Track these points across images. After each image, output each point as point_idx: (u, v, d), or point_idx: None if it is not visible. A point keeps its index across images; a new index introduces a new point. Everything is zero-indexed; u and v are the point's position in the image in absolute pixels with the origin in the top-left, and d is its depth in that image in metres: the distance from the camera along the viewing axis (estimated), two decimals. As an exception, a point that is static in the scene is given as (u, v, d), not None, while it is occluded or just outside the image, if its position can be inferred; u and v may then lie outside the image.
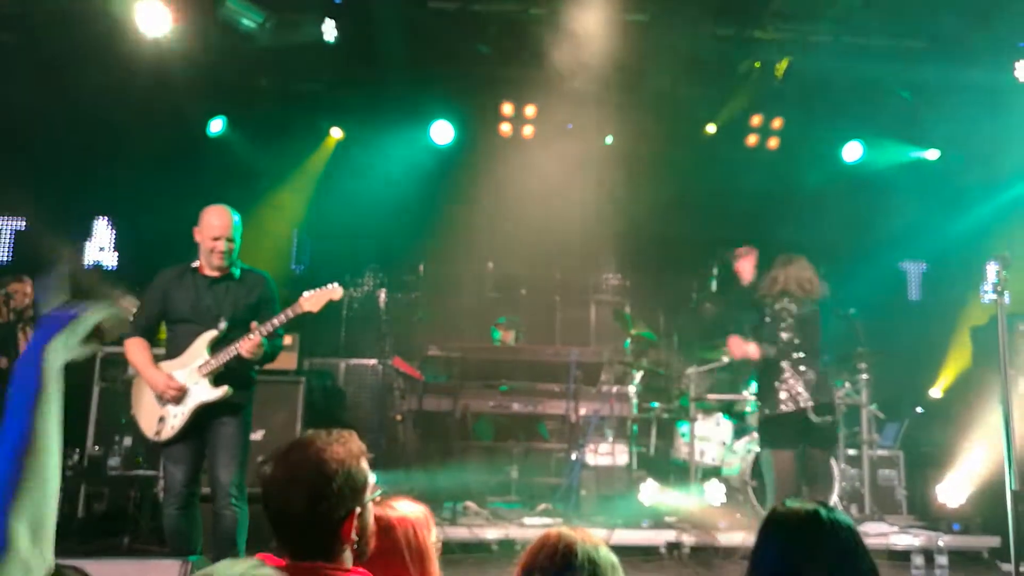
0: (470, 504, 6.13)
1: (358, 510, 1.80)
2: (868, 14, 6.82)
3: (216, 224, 4.20)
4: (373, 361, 7.48)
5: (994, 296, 4.55)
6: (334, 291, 4.24)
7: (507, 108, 8.15)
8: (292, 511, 1.75)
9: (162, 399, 4.08)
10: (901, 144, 8.52)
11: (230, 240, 4.21)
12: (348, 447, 1.83)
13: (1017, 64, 7.11)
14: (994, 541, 5.80)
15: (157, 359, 4.18)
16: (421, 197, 8.05)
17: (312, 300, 4.19)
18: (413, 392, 6.53)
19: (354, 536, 1.79)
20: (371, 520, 1.86)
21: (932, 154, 8.47)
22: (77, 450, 6.05)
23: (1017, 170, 8.47)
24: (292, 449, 1.83)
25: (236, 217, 4.28)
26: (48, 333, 1.46)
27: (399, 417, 6.89)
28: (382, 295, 7.17)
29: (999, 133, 8.02)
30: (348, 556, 1.81)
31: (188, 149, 7.62)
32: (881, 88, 7.82)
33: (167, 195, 7.21)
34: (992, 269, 4.52)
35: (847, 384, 6.65)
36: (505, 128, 8.24)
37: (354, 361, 7.51)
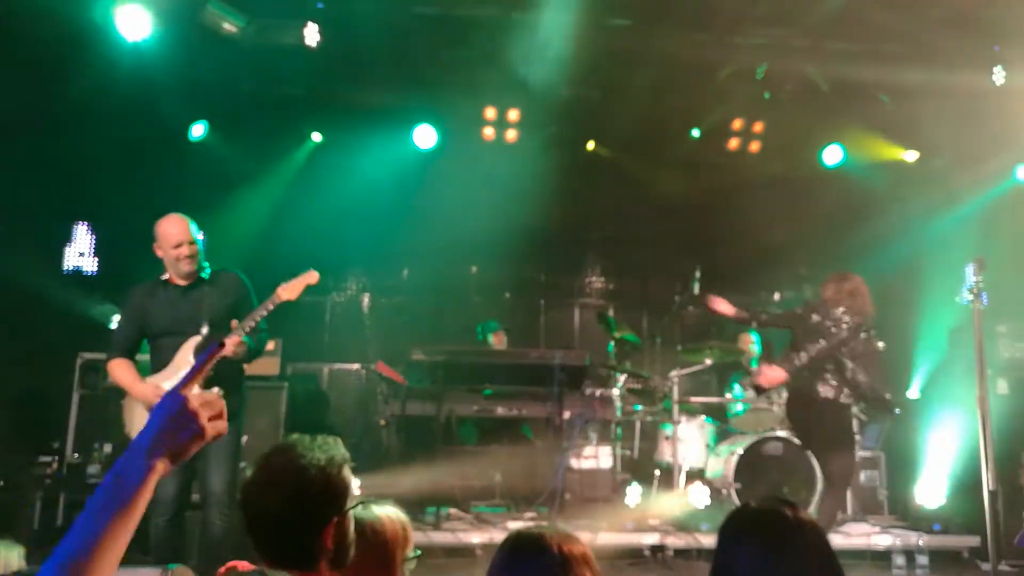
0: (454, 511, 6.13)
1: (337, 519, 1.76)
2: (847, 19, 6.88)
3: (173, 232, 4.17)
4: (356, 366, 7.45)
5: (971, 298, 4.61)
6: (310, 276, 4.24)
7: (490, 112, 8.16)
8: (269, 517, 1.72)
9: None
10: (881, 147, 8.59)
11: (192, 243, 4.19)
12: (330, 453, 1.79)
13: (995, 69, 7.20)
14: (973, 541, 5.85)
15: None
16: (404, 201, 8.05)
17: (289, 288, 4.18)
18: (397, 397, 6.52)
19: (333, 545, 1.75)
20: (351, 529, 1.83)
21: (911, 156, 8.55)
22: (56, 458, 5.99)
23: (996, 173, 8.58)
24: (272, 454, 1.79)
25: (190, 220, 4.25)
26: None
27: (383, 422, 6.88)
28: (365, 299, 7.15)
29: (978, 137, 8.13)
30: (326, 565, 1.76)
31: (169, 154, 7.57)
32: (861, 92, 7.90)
33: (148, 200, 7.13)
34: (970, 272, 4.56)
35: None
36: (488, 132, 8.24)
37: (337, 366, 7.48)
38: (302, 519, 1.72)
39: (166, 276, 4.27)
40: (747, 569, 1.73)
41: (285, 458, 1.76)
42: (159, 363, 4.16)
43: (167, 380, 4.07)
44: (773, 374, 5.31)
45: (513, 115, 8.16)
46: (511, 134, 8.26)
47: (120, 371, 4.15)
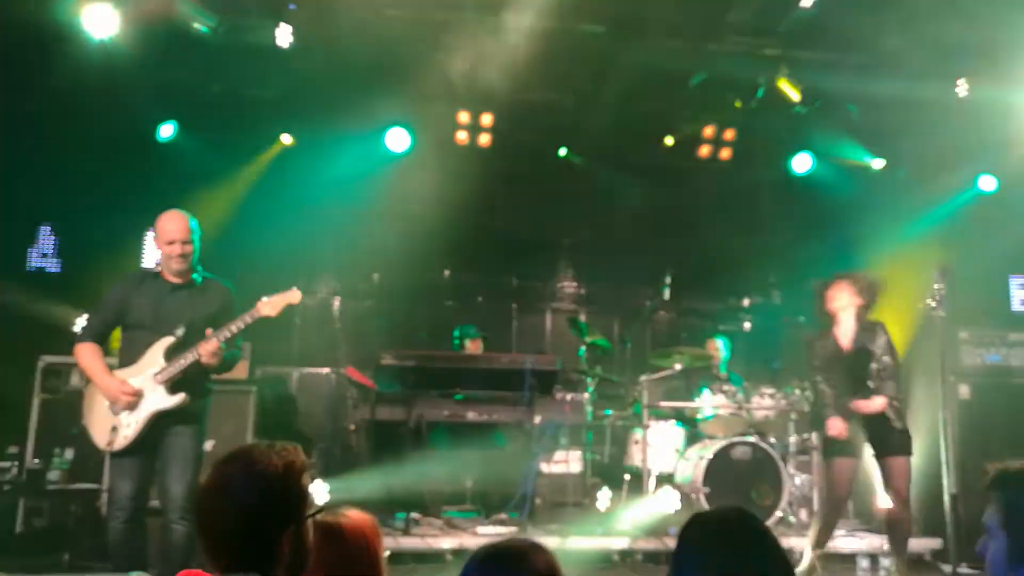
0: (424, 516, 6.10)
1: (294, 526, 1.73)
2: (818, 29, 6.98)
3: (170, 228, 4.15)
4: (327, 370, 7.40)
5: (934, 305, 4.70)
6: (292, 295, 4.22)
7: (463, 116, 8.15)
8: (223, 524, 1.68)
9: (115, 407, 3.99)
10: (849, 156, 8.72)
11: (186, 243, 4.16)
12: (288, 459, 1.76)
13: (959, 81, 7.35)
14: (936, 543, 5.95)
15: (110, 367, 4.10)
16: (376, 204, 8.02)
17: (270, 305, 4.16)
18: (366, 401, 6.47)
19: (290, 553, 1.71)
20: (309, 537, 1.79)
21: (878, 164, 8.68)
22: (15, 464, 5.86)
23: (959, 182, 8.76)
24: (229, 459, 1.76)
25: (192, 221, 4.22)
26: None
27: (352, 427, 6.83)
28: (336, 303, 7.08)
29: (942, 147, 8.30)
30: (283, 573, 1.73)
31: (137, 155, 7.47)
32: (830, 101, 8.02)
33: (113, 201, 7.07)
34: (934, 279, 4.65)
35: (797, 391, 6.77)
36: (461, 136, 8.23)
37: (307, 370, 7.42)
38: (256, 527, 1.68)
39: (158, 269, 4.23)
40: (702, 570, 1.74)
41: (240, 464, 1.73)
42: (128, 358, 4.11)
43: (134, 377, 4.02)
44: None
45: (486, 119, 8.15)
46: (484, 138, 8.25)
47: (88, 357, 4.09)
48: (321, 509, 1.90)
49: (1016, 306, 8.75)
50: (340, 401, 7.17)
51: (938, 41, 6.95)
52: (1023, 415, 6.19)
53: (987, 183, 8.73)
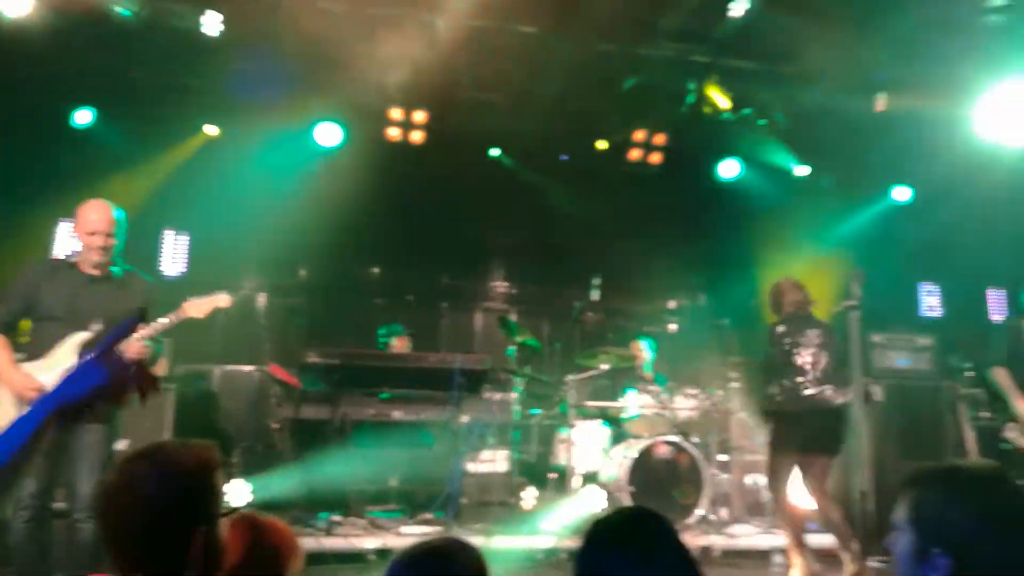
0: (344, 517, 6.02)
1: (205, 526, 1.65)
2: (747, 38, 7.15)
3: (92, 219, 3.99)
4: (250, 367, 7.22)
5: (851, 308, 4.87)
6: (221, 299, 4.10)
7: (396, 113, 8.07)
8: (130, 524, 1.60)
9: (20, 402, 3.80)
10: (776, 163, 8.96)
11: (109, 236, 4.00)
12: (201, 456, 1.68)
13: (878, 95, 7.64)
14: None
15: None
16: (305, 200, 7.85)
17: (197, 307, 4.04)
18: (291, 400, 6.35)
19: (201, 554, 1.63)
20: (221, 539, 1.72)
21: (802, 171, 8.94)
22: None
23: (876, 191, 9.13)
24: (136, 456, 1.67)
25: (118, 212, 4.06)
26: None
27: (276, 425, 6.68)
28: (261, 299, 6.93)
29: (862, 157, 8.64)
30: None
31: (49, 140, 7.16)
32: (759, 109, 8.23)
33: (24, 188, 6.76)
34: (850, 284, 4.82)
35: (719, 392, 6.93)
36: (394, 133, 8.15)
37: (230, 367, 7.22)
38: (165, 526, 1.61)
39: (75, 260, 4.05)
40: (605, 569, 1.74)
41: (148, 460, 1.65)
42: (37, 350, 3.92)
43: (43, 372, 3.84)
44: None
45: (419, 117, 8.09)
46: (417, 136, 8.18)
47: None
48: (234, 510, 1.82)
49: (924, 311, 9.17)
50: (263, 399, 7.00)
51: (859, 56, 7.23)
52: (928, 416, 6.48)
53: (901, 193, 9.12)
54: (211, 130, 7.84)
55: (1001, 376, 5.46)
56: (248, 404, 7.06)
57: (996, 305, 9.33)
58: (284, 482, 5.85)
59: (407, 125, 8.13)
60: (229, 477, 5.85)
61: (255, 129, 7.71)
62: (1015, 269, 6.68)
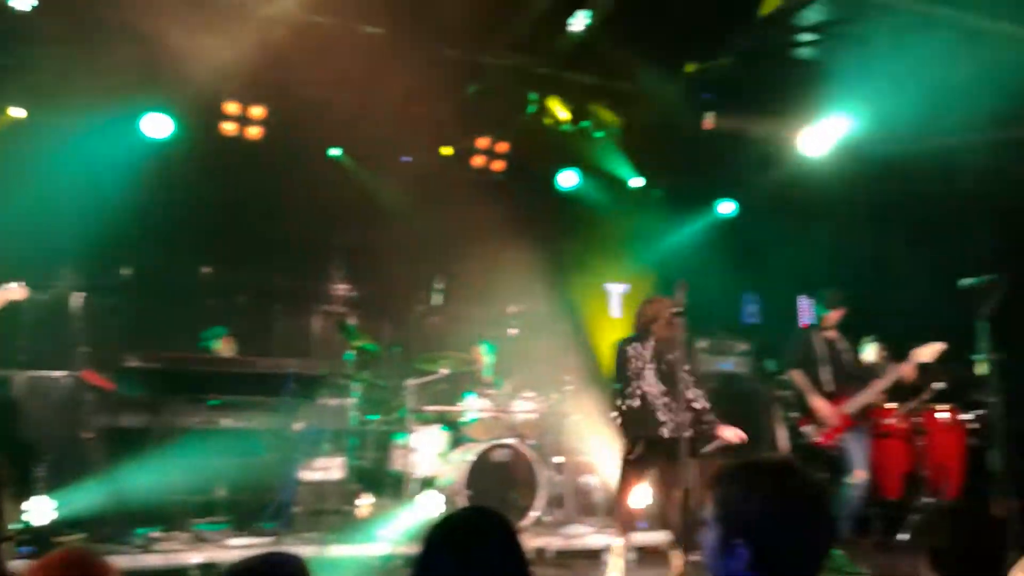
0: (165, 532, 5.68)
1: None
2: (586, 53, 7.40)
3: None
4: (62, 373, 6.64)
5: (678, 315, 5.13)
6: (15, 291, 3.74)
7: (231, 107, 7.72)
8: None
9: None
10: (612, 173, 9.31)
11: None
12: None
13: (706, 114, 8.12)
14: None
15: None
16: (129, 193, 7.32)
17: None
18: (107, 407, 5.91)
19: None
20: (4, 562, 1.56)
21: (637, 182, 9.34)
22: None
23: (704, 204, 9.71)
24: None
25: None
26: None
27: (90, 435, 6.18)
28: (75, 299, 6.38)
29: (692, 172, 9.17)
30: None
31: None
32: (597, 121, 8.54)
33: None
34: (676, 292, 5.08)
35: (553, 395, 7.11)
36: (229, 127, 7.78)
37: (36, 373, 6.61)
38: None
39: None
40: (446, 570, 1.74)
41: None
42: None
43: None
44: None
45: (257, 112, 7.79)
46: (254, 131, 7.86)
47: None
48: (10, 537, 1.65)
49: (746, 318, 9.84)
50: (76, 407, 6.45)
51: (687, 78, 7.67)
52: (748, 416, 6.92)
53: (726, 207, 9.75)
54: (17, 112, 7.16)
55: (797, 377, 6.32)
56: (57, 413, 6.49)
57: (806, 312, 10.15)
58: (94, 496, 5.43)
59: (244, 120, 7.79)
60: (29, 494, 5.36)
61: (71, 114, 7.12)
62: (825, 279, 7.27)
